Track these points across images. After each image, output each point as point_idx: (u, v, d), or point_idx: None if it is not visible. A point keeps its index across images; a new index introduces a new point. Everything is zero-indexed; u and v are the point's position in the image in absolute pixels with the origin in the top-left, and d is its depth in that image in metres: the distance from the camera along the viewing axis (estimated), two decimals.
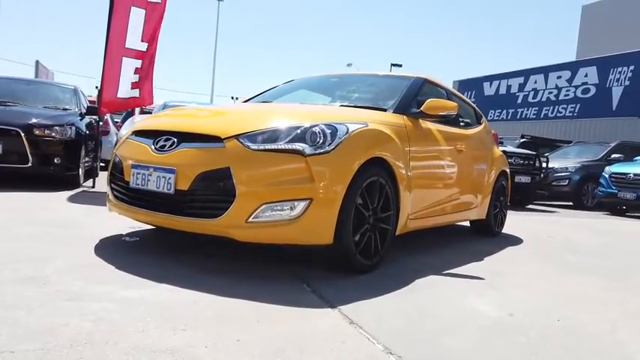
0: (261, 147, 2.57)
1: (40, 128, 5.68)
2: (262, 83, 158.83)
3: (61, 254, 2.76)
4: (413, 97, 3.66)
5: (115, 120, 12.14)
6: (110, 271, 2.52)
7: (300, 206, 2.53)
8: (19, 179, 5.93)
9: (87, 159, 6.69)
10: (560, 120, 19.97)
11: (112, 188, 3.07)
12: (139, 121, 3.31)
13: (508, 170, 5.31)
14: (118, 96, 6.24)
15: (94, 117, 6.59)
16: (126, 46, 6.15)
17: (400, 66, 41.06)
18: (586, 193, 11.67)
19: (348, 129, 2.77)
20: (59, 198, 5.15)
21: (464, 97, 5.04)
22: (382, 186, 2.98)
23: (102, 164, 8.55)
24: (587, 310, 2.61)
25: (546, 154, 10.63)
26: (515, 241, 4.92)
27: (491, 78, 23.71)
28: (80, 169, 6.26)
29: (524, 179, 9.91)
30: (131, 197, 2.86)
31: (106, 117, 11.48)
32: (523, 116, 21.62)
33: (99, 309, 1.95)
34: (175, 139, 2.74)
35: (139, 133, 3.00)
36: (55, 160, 5.78)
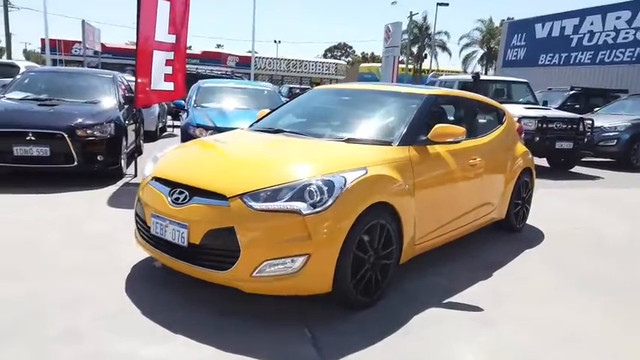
0: (263, 207, 2.77)
1: (83, 129, 6.08)
2: (306, 26, 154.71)
3: (95, 295, 3.13)
4: (421, 124, 3.71)
5: None
6: (135, 319, 2.86)
7: (299, 261, 2.76)
8: (65, 175, 6.40)
9: (130, 141, 7.06)
10: (617, 66, 18.76)
11: (137, 228, 3.38)
12: (160, 159, 3.56)
13: (533, 166, 5.27)
14: (152, 88, 6.52)
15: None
16: (156, 39, 6.35)
17: (447, 5, 39.30)
18: (636, 152, 11.23)
19: (345, 181, 2.92)
20: (102, 200, 5.57)
21: (484, 99, 4.97)
22: (383, 226, 3.14)
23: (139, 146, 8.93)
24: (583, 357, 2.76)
25: (591, 118, 10.19)
26: (533, 239, 4.97)
27: (543, 19, 22.30)
28: (122, 161, 6.68)
29: (566, 145, 9.66)
30: (154, 241, 3.16)
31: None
32: (577, 61, 20.42)
33: None
34: (187, 193, 2.99)
35: (159, 180, 3.25)
36: (99, 158, 6.20)
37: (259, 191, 2.84)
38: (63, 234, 4.29)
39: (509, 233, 5.09)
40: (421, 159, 3.56)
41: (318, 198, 2.81)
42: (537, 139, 9.37)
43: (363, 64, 61.42)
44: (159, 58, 6.39)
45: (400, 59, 42.82)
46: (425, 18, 52.55)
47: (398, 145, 3.51)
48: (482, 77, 11.67)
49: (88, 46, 23.03)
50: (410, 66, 49.17)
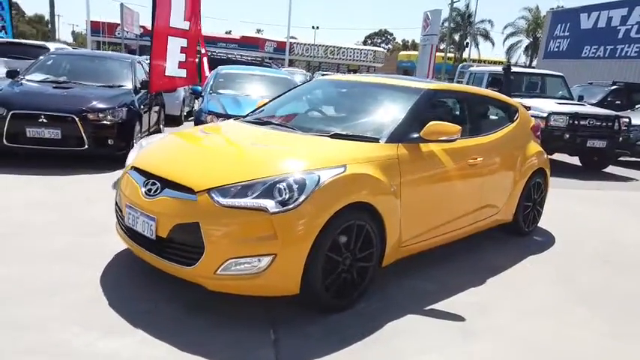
0: (229, 203, 2.68)
1: (94, 113, 6.13)
2: (346, 12, 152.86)
3: (70, 283, 3.13)
4: (414, 121, 3.52)
5: None
6: (101, 311, 2.84)
7: (265, 261, 2.66)
8: (76, 158, 6.48)
9: (146, 126, 7.11)
10: None
11: (117, 217, 3.36)
12: (143, 148, 3.52)
13: (547, 167, 4.98)
14: (166, 74, 6.52)
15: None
16: (170, 25, 6.32)
17: None
18: None
19: (319, 179, 2.79)
20: (107, 184, 5.61)
21: (494, 94, 4.71)
22: (361, 227, 3.00)
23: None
24: None
25: (628, 116, 9.64)
26: (542, 245, 4.72)
27: (589, 9, 21.25)
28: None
29: (599, 144, 9.19)
30: (129, 232, 3.12)
31: None
32: (623, 54, 19.39)
33: None
34: (159, 185, 2.92)
35: (137, 170, 3.20)
36: (109, 142, 6.25)
37: (228, 186, 2.75)
38: (58, 218, 4.33)
39: (517, 237, 4.85)
40: (411, 158, 3.38)
41: (288, 196, 2.70)
42: (567, 136, 8.95)
43: (402, 52, 60.42)
44: (174, 44, 6.37)
45: (441, 48, 41.79)
46: (467, 5, 51.01)
47: (386, 142, 3.34)
48: (515, 69, 11.18)
49: (126, 29, 23.41)
50: (450, 55, 47.92)
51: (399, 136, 3.40)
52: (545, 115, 9.08)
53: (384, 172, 3.16)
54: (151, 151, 3.43)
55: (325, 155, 3.07)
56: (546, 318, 3.24)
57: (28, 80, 6.87)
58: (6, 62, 8.46)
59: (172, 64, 6.41)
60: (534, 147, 4.85)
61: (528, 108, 9.49)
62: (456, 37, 53.79)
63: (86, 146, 6.10)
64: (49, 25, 27.67)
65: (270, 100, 4.50)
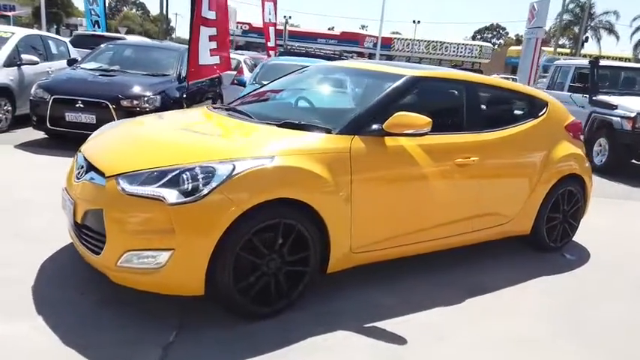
0: (133, 191, 2.50)
1: (128, 99, 6.32)
2: (450, 5, 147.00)
3: (12, 262, 3.15)
4: (381, 110, 3.08)
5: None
6: (20, 293, 2.80)
7: (164, 256, 2.45)
8: None
9: None
10: None
11: None
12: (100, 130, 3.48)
13: (585, 173, 4.21)
14: (200, 63, 6.61)
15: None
16: (202, 15, 6.40)
17: None
18: None
19: (233, 169, 2.51)
20: None
21: (509, 85, 4.05)
22: (291, 227, 2.68)
23: None
24: None
25: None
26: (563, 265, 4.00)
27: None
28: None
29: None
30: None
31: (240, 65, 12.20)
32: None
33: None
34: (85, 169, 2.83)
35: (81, 151, 3.15)
36: None
37: (136, 173, 2.56)
38: (55, 197, 4.46)
39: (541, 252, 4.16)
40: (369, 153, 2.97)
41: (191, 187, 2.46)
42: None
43: (512, 47, 56.75)
44: (204, 33, 6.45)
45: (559, 43, 38.23)
46: None
47: (338, 133, 2.96)
48: (607, 63, 9.85)
49: None
50: (564, 50, 44.05)
51: (356, 127, 3.00)
52: (632, 115, 7.88)
53: (329, 168, 2.79)
54: (98, 134, 3.36)
55: (254, 144, 2.78)
56: (511, 355, 2.68)
57: (82, 68, 7.28)
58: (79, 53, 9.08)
59: (204, 53, 6.50)
60: (567, 149, 4.10)
61: (615, 107, 8.33)
62: (576, 30, 49.39)
63: None
64: (165, 25, 29.75)
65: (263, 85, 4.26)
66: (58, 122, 6.31)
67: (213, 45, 6.50)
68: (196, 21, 6.39)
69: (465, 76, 3.68)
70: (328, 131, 2.97)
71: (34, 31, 8.88)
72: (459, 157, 3.35)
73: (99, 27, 14.00)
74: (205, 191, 2.44)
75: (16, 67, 7.32)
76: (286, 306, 2.80)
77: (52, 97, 6.25)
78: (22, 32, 7.86)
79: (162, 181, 2.49)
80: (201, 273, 2.49)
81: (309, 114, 3.38)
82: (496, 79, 4.07)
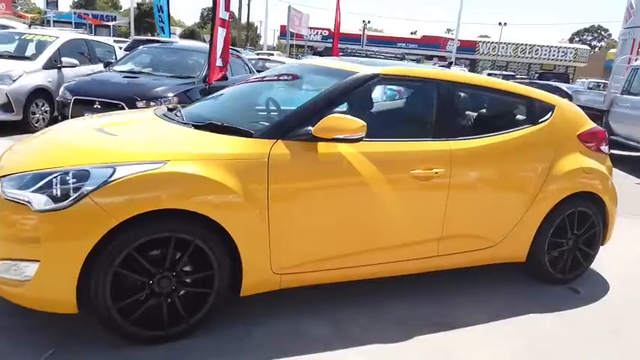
0: (10, 194, 2.31)
1: (143, 100, 6.32)
2: (542, 6, 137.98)
3: None
4: (318, 112, 2.66)
5: None
6: None
7: (30, 268, 2.23)
8: None
9: None
10: None
11: None
12: None
13: (603, 192, 3.49)
14: (216, 65, 6.51)
15: None
16: (220, 16, 6.28)
17: None
18: None
19: (111, 174, 2.24)
20: None
21: (507, 86, 3.41)
22: (185, 242, 2.37)
23: None
24: None
25: None
26: (566, 300, 3.32)
27: None
28: None
29: None
30: None
31: None
32: None
33: None
34: None
35: None
36: None
37: (20, 175, 2.36)
38: None
39: (541, 283, 3.51)
40: (294, 160, 2.57)
41: (60, 192, 2.22)
42: None
43: (612, 50, 52.26)
44: (220, 34, 6.32)
45: None
46: None
47: (259, 137, 2.59)
48: None
49: (293, 30, 24.61)
50: None
51: (281, 130, 2.62)
52: None
53: (239, 176, 2.45)
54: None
55: (149, 146, 2.49)
56: None
57: (113, 70, 7.44)
58: None
59: (218, 54, 6.36)
60: (577, 162, 3.41)
61: None
62: None
63: None
64: (247, 32, 30.67)
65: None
66: None
67: (222, 45, 6.38)
68: (216, 22, 6.30)
69: (439, 74, 3.14)
70: (248, 135, 2.62)
71: (79, 36, 9.27)
72: (417, 168, 2.85)
73: (163, 32, 14.61)
74: (74, 198, 2.19)
75: (55, 70, 7.64)
76: (185, 331, 2.48)
77: (74, 98, 6.40)
78: (65, 36, 8.21)
79: (38, 185, 2.27)
80: (70, 289, 2.24)
81: (242, 115, 3.05)
82: (486, 79, 3.46)
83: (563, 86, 13.77)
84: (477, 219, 3.14)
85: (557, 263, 3.48)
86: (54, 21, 40.02)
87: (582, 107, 10.67)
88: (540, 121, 3.37)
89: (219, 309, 2.56)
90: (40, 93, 7.34)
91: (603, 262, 3.84)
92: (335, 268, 2.79)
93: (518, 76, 27.48)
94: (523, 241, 3.33)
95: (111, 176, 2.24)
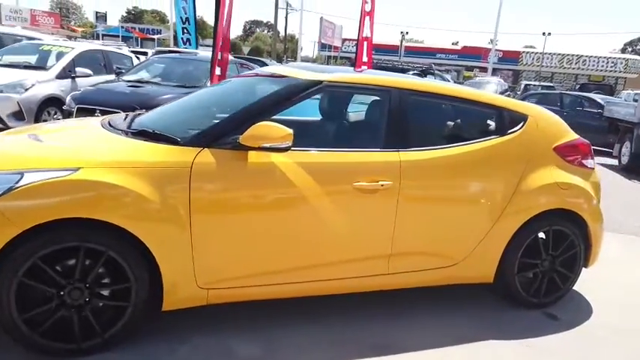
0: None
1: (142, 110, 6.36)
2: (591, 14, 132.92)
3: None
4: (244, 121, 2.53)
5: None
6: None
7: None
8: None
9: None
10: None
11: None
12: None
13: (584, 209, 3.20)
14: (216, 73, 6.51)
15: None
16: (224, 25, 6.29)
17: None
18: None
19: (18, 180, 2.18)
20: None
21: (471, 95, 3.17)
22: (96, 253, 2.29)
23: None
24: None
25: None
26: (535, 329, 3.03)
27: None
28: None
29: None
30: None
31: None
32: None
33: None
34: None
35: None
36: None
37: None
38: None
39: (516, 307, 3.23)
40: (221, 169, 2.46)
41: None
42: None
43: None
44: (218, 42, 6.30)
45: None
46: None
47: (184, 144, 2.49)
48: None
49: (325, 42, 24.64)
50: None
51: (209, 138, 2.51)
52: None
53: (157, 184, 2.35)
54: None
55: (66, 153, 2.43)
56: None
57: (121, 79, 7.57)
58: None
59: (215, 63, 6.36)
60: (552, 176, 3.13)
61: None
62: None
63: None
64: (285, 44, 31.03)
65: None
66: None
67: (219, 55, 6.34)
68: (219, 31, 6.29)
69: (394, 82, 2.95)
70: (174, 142, 2.52)
71: (96, 47, 9.53)
72: (360, 179, 2.67)
73: (190, 44, 14.87)
74: None
75: (69, 79, 7.85)
76: (100, 345, 2.39)
77: (77, 107, 6.53)
78: (81, 47, 8.45)
79: None
80: None
81: (185, 123, 2.95)
82: (452, 87, 3.25)
83: (598, 97, 13.08)
84: (433, 235, 2.93)
85: (531, 286, 3.20)
86: (103, 35, 41.73)
87: (613, 119, 10.14)
88: (509, 132, 3.12)
89: (139, 323, 2.45)
90: (52, 102, 7.54)
91: (591, 284, 3.52)
92: (270, 284, 2.65)
93: (558, 88, 26.46)
94: (489, 260, 3.08)
95: (17, 182, 2.19)
